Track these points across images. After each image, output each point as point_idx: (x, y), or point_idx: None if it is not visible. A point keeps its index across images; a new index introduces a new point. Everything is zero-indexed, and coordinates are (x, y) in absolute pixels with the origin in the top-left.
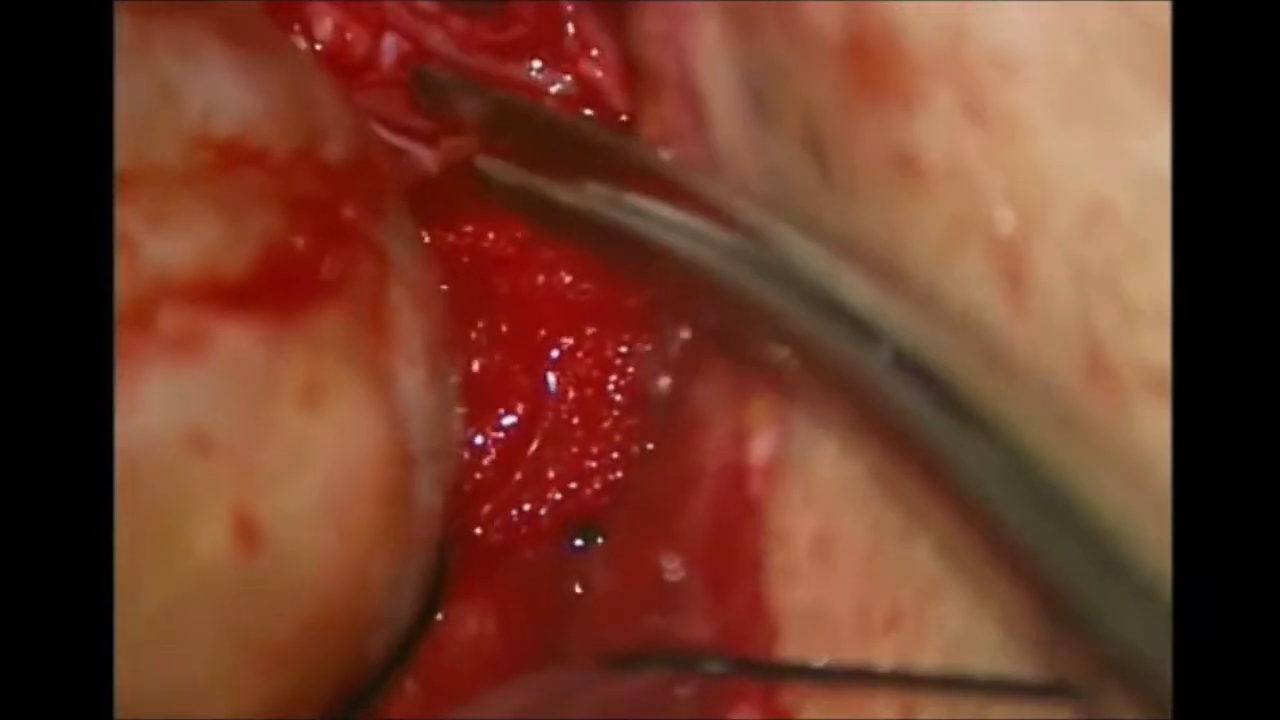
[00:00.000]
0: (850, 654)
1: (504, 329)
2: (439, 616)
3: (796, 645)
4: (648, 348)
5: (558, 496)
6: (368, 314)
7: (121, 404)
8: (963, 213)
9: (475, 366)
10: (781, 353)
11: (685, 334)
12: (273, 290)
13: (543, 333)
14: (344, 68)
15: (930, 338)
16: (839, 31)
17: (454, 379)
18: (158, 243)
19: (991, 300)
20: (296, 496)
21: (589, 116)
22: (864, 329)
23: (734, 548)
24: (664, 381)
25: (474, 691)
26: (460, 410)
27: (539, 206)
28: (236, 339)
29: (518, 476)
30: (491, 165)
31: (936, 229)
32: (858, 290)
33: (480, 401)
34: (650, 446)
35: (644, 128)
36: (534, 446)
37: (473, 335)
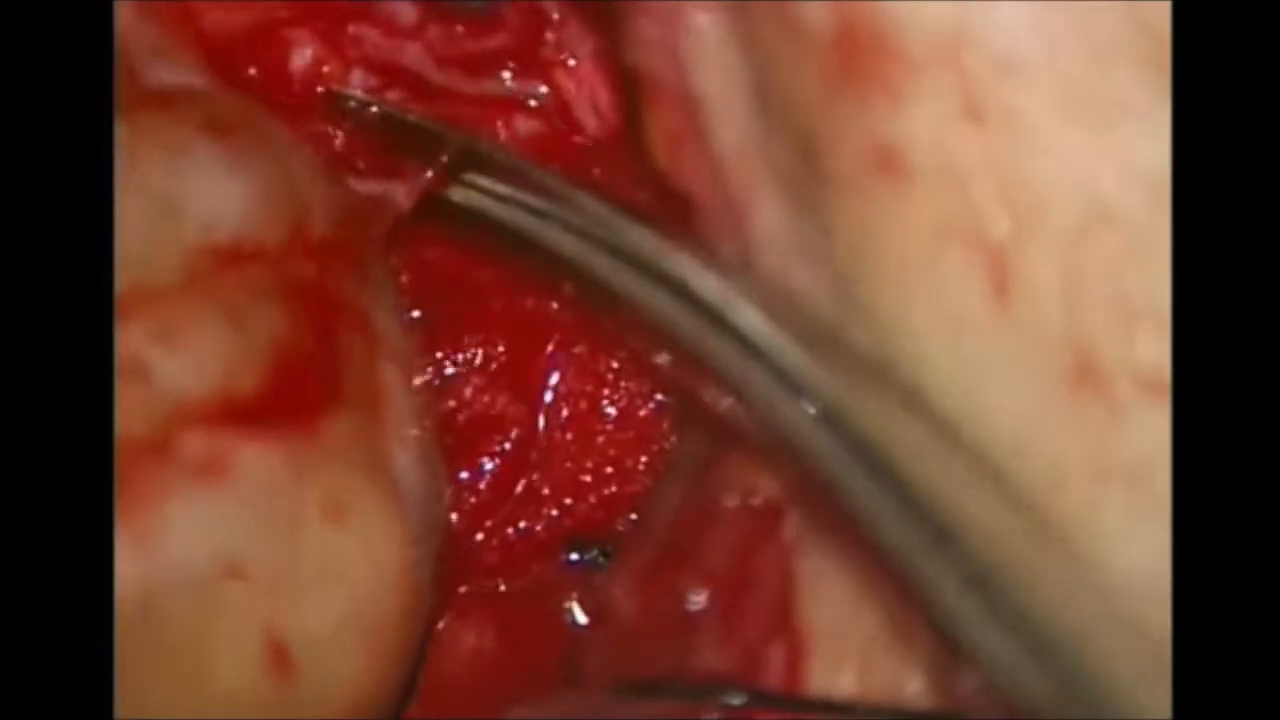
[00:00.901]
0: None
1: (493, 353)
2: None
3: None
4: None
5: (554, 513)
6: (366, 406)
7: (150, 532)
8: (949, 212)
9: (466, 392)
10: (724, 400)
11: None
12: (286, 401)
13: (532, 354)
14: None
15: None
16: (827, 25)
17: (437, 459)
18: (170, 363)
19: (973, 303)
20: (325, 616)
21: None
22: (794, 385)
23: (760, 580)
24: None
25: (472, 705)
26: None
27: (512, 236)
28: (259, 459)
29: (516, 491)
30: (463, 196)
31: (919, 227)
32: (789, 354)
33: (474, 424)
34: (645, 462)
35: (647, 138)
36: (528, 465)
37: (462, 360)
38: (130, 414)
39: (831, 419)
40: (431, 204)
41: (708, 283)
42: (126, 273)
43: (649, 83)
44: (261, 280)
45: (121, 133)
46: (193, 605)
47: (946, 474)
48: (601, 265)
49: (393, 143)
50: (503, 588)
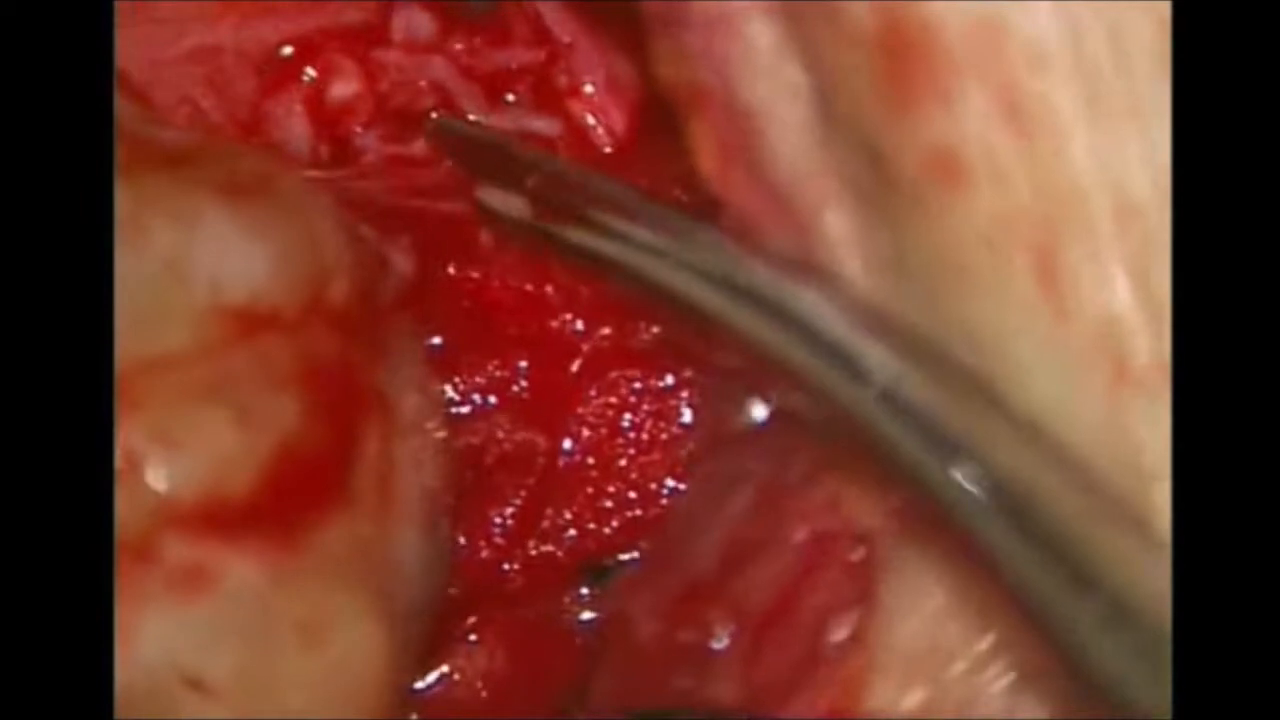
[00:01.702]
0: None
1: (515, 371)
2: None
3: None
4: (663, 382)
5: (574, 534)
6: (375, 495)
7: (120, 636)
8: (1000, 210)
9: (489, 428)
10: (788, 395)
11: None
12: (281, 505)
13: (554, 375)
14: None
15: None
16: (872, 25)
17: (444, 528)
18: (164, 462)
19: (1030, 298)
20: None
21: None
22: (853, 367)
23: (792, 622)
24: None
25: None
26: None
27: (545, 244)
28: (240, 573)
29: (544, 518)
30: (496, 201)
31: (978, 227)
32: (842, 327)
33: (500, 463)
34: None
35: (695, 153)
36: (552, 494)
37: (482, 386)
38: (117, 511)
39: (964, 457)
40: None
41: (835, 324)
42: (129, 344)
43: (694, 96)
44: (278, 356)
45: (124, 198)
46: (151, 714)
47: (1078, 512)
48: (716, 302)
49: (479, 168)
50: (520, 610)
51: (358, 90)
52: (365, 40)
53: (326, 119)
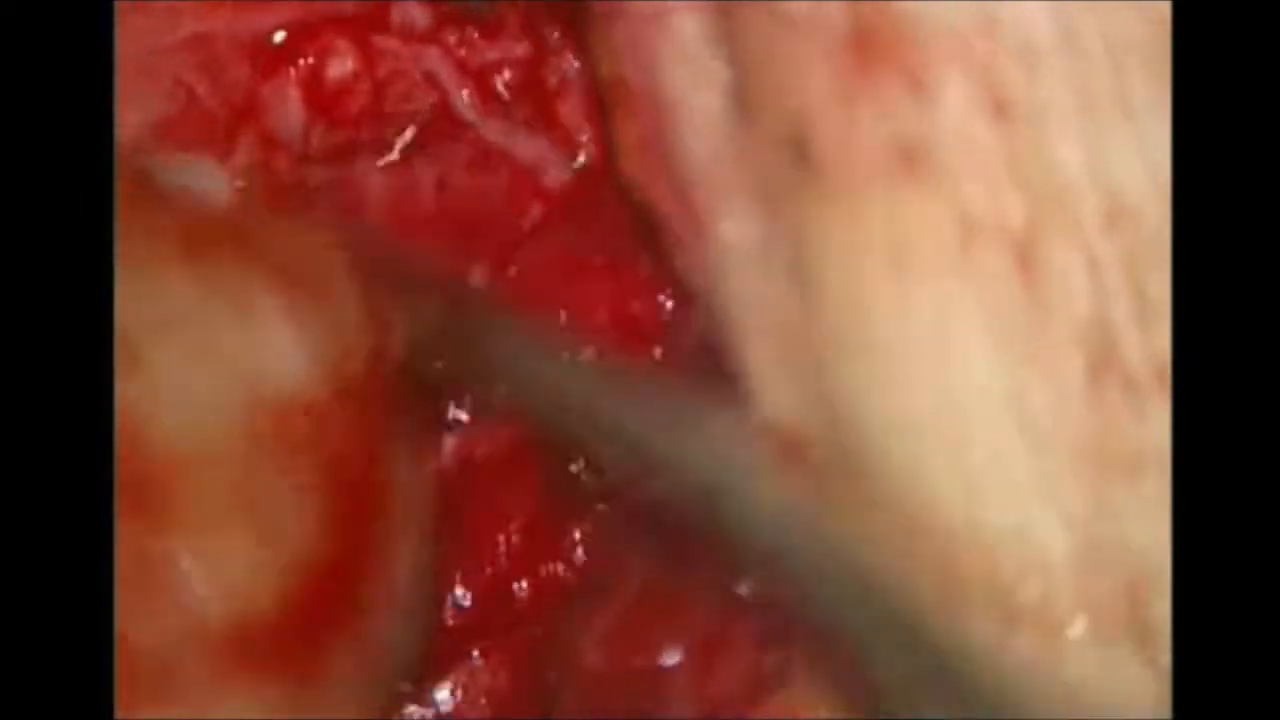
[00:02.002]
0: None
1: None
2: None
3: None
4: None
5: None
6: (381, 598)
7: None
8: (975, 203)
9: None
10: None
11: None
12: (300, 624)
13: None
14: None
15: None
16: (842, 23)
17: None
18: (200, 579)
19: (1001, 290)
20: None
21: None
22: None
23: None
24: None
25: None
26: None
27: None
28: (253, 696)
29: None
30: None
31: (946, 221)
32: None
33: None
34: None
35: (618, 148)
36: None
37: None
38: (145, 620)
39: None
40: None
41: None
42: (169, 446)
43: (621, 90)
44: (302, 456)
45: (186, 281)
46: None
47: None
48: None
49: None
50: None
51: (355, 72)
52: (363, 26)
53: (323, 103)
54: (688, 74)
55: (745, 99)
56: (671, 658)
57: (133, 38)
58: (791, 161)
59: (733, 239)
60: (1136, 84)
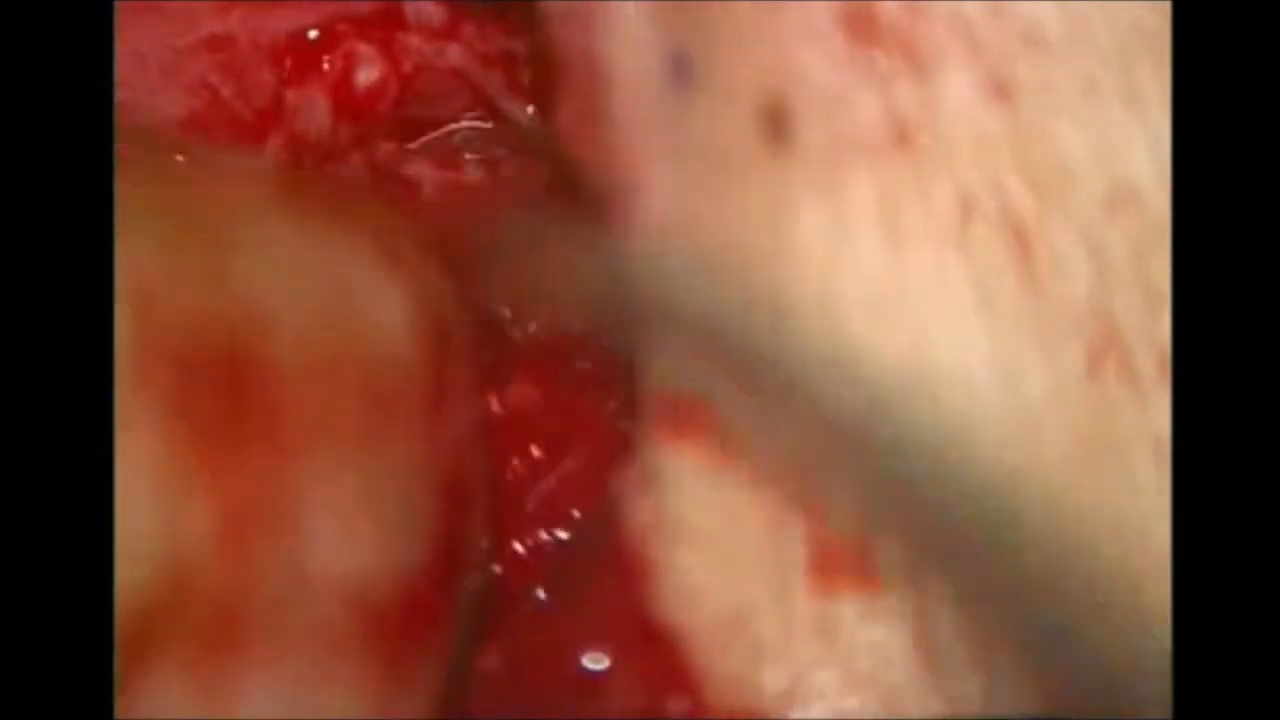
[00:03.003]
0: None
1: None
2: None
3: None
4: None
5: None
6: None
7: None
8: (973, 183)
9: None
10: None
11: None
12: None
13: None
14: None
15: None
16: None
17: None
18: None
19: (1002, 274)
20: None
21: None
22: None
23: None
24: None
25: None
26: None
27: None
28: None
29: None
30: None
31: (942, 199)
32: None
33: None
34: None
35: (556, 115)
36: None
37: None
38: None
39: None
40: None
41: None
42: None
43: (563, 57)
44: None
45: (285, 227)
46: None
47: None
48: None
49: None
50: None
51: (382, 72)
52: (383, 25)
53: (352, 104)
54: (624, 33)
55: (690, 67)
56: (600, 660)
57: (153, 36)
58: (757, 134)
59: (655, 209)
60: (1144, 73)
